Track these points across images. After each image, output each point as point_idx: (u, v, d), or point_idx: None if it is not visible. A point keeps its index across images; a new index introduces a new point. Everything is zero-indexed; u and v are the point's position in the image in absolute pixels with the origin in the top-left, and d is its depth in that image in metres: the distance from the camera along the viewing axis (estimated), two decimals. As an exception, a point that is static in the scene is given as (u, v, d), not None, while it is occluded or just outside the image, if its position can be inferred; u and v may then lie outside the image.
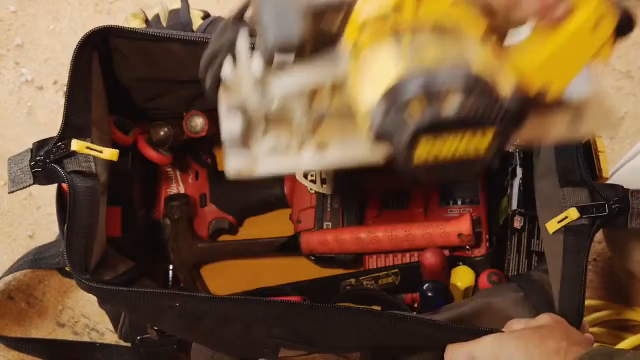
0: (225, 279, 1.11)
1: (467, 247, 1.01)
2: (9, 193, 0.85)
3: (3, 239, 1.15)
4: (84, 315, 1.12)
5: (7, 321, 1.12)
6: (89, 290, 0.83)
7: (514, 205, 0.96)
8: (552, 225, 0.85)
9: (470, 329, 0.81)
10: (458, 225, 1.00)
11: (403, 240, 1.03)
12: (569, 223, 0.84)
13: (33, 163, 0.83)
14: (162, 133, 1.03)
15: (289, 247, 1.08)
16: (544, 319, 0.80)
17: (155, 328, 0.93)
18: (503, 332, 0.80)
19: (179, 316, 0.83)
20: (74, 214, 0.83)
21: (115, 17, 1.22)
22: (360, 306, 0.96)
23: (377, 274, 1.05)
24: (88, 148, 0.84)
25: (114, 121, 0.97)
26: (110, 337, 1.11)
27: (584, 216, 0.83)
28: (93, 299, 1.12)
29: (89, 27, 1.21)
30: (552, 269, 0.86)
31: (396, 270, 1.04)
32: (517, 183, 0.97)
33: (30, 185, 0.84)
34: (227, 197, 1.10)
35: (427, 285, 0.97)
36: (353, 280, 1.06)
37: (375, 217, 1.07)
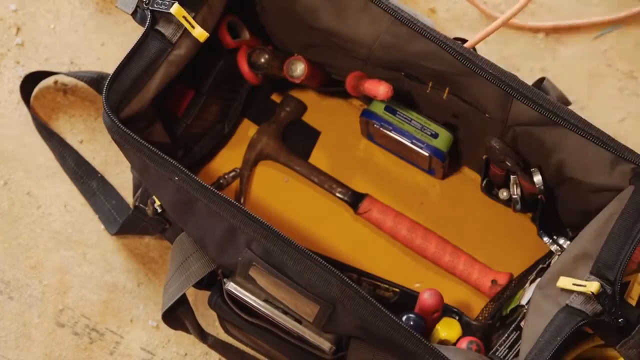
0: (268, 188, 1.13)
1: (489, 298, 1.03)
2: (115, 6, 0.91)
3: (3, 238, 1.14)
4: (84, 315, 1.12)
5: (6, 322, 1.12)
6: (109, 124, 0.86)
7: (524, 301, 0.97)
8: (565, 282, 0.83)
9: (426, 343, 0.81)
10: (498, 275, 1.03)
11: (445, 262, 1.05)
12: (572, 299, 0.82)
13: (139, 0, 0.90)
14: (262, 59, 1.04)
15: (350, 197, 1.09)
16: None
17: (158, 204, 0.96)
18: None
19: (176, 191, 0.86)
20: (131, 58, 0.88)
21: (116, 16, 1.22)
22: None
23: (379, 283, 1.05)
24: (184, 17, 0.89)
25: (228, 21, 1.02)
26: (110, 337, 1.11)
27: (594, 305, 0.80)
28: (93, 298, 1.13)
29: (89, 27, 1.22)
30: (529, 328, 0.86)
31: (398, 290, 1.04)
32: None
33: (128, 14, 0.90)
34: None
35: (406, 316, 0.95)
36: (354, 275, 1.06)
37: None
